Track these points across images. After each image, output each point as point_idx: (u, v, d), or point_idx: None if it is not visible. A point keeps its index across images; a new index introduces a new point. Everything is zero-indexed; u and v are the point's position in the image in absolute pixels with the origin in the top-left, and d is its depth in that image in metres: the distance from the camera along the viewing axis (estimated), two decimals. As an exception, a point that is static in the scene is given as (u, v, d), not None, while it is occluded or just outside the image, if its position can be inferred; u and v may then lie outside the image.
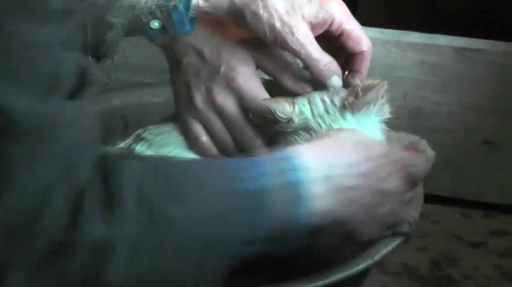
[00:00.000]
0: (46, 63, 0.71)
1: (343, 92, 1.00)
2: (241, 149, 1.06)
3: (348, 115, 1.00)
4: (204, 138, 1.07)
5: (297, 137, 0.99)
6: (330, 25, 0.99)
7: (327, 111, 1.00)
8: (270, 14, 0.97)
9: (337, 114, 1.00)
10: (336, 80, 0.99)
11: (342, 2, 1.01)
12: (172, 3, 0.98)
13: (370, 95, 0.98)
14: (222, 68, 1.04)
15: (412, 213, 1.00)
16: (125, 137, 1.07)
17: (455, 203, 1.43)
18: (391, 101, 1.00)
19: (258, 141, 1.05)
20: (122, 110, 1.21)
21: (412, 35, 1.34)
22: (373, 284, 1.20)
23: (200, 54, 1.06)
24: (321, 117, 1.00)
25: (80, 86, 0.69)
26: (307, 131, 0.99)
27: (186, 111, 1.07)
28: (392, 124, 1.04)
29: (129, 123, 1.25)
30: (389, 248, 0.95)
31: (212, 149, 1.07)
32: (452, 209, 1.42)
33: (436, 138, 1.12)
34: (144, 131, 1.08)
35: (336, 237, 0.90)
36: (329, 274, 0.90)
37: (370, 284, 1.15)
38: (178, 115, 1.09)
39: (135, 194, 0.72)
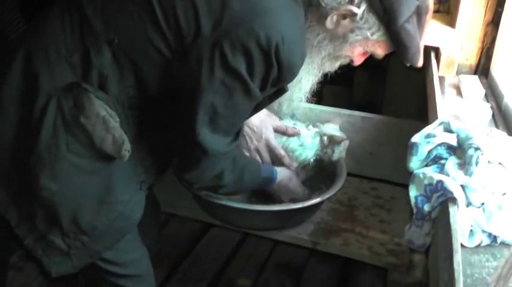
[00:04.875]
0: (241, 124, 1.07)
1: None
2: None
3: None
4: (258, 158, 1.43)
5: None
6: None
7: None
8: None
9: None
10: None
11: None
12: None
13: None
14: (263, 136, 1.40)
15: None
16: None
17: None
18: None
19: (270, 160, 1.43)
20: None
21: (345, 111, 1.79)
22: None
23: (252, 130, 1.40)
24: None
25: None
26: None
27: (243, 148, 1.41)
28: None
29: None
30: (332, 192, 1.46)
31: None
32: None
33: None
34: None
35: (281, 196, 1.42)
36: (307, 201, 1.42)
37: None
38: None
39: (237, 172, 1.16)
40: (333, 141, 1.40)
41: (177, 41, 0.92)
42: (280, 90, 1.06)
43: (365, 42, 1.03)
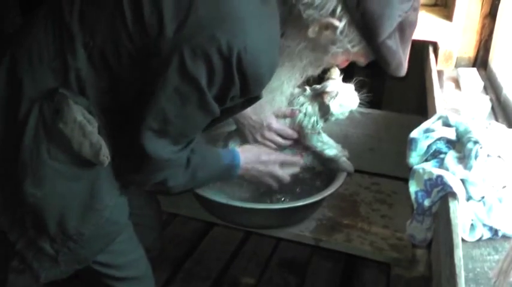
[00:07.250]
0: (194, 135, 1.02)
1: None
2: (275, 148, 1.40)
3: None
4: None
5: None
6: None
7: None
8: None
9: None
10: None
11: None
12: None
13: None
14: (264, 123, 1.37)
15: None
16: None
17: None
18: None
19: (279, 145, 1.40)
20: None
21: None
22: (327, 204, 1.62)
23: (251, 119, 1.37)
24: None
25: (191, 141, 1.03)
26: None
27: (252, 142, 1.40)
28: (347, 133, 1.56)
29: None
30: (334, 188, 1.42)
31: None
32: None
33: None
34: (234, 141, 1.45)
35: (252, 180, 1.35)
36: (309, 198, 1.38)
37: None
38: (242, 137, 1.42)
39: (190, 170, 1.08)
40: (327, 95, 1.33)
41: (141, 39, 0.90)
42: (253, 98, 1.04)
43: (346, 53, 1.02)
